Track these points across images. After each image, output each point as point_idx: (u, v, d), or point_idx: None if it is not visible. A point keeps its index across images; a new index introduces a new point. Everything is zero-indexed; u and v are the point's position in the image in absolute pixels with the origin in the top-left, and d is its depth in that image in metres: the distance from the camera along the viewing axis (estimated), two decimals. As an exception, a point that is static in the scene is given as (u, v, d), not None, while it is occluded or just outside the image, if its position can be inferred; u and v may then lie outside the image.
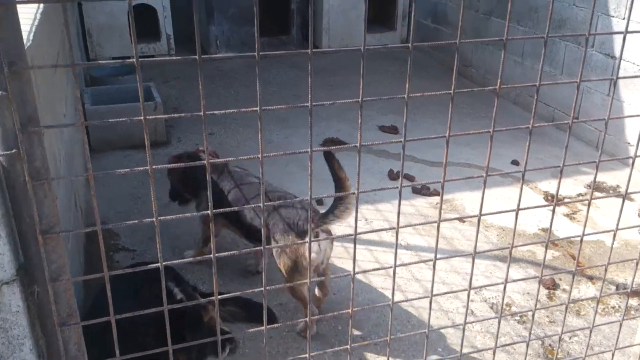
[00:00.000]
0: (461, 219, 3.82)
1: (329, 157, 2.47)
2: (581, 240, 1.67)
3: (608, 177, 4.44)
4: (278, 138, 5.00)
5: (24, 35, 1.35)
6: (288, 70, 6.76)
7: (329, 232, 2.66)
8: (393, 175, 4.36)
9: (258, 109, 1.23)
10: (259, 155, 1.25)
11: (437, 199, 4.06)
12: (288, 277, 2.67)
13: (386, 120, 5.46)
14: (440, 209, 1.51)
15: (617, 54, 4.58)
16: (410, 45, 1.25)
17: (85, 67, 5.86)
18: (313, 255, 2.59)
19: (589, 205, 1.67)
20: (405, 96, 1.31)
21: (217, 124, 5.18)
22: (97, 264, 3.21)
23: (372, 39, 7.60)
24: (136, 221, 1.26)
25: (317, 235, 2.59)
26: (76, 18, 6.16)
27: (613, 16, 4.55)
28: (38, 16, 2.53)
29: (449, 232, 3.69)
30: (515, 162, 4.56)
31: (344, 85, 6.28)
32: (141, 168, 1.24)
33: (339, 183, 2.47)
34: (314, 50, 1.21)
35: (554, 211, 1.63)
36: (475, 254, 1.59)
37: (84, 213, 3.48)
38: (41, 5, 2.71)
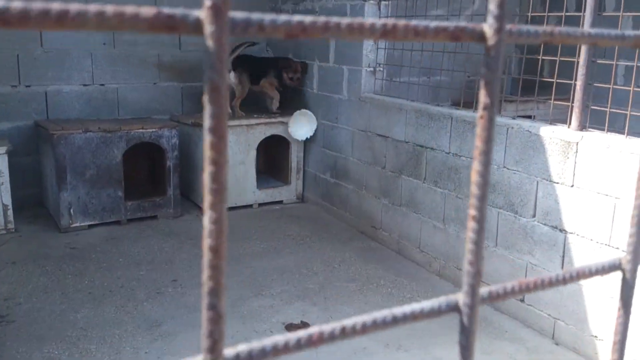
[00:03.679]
0: None
1: None
2: None
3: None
4: (149, 358, 3.60)
5: None
6: (163, 241, 5.46)
7: None
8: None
9: None
10: None
11: None
12: None
13: (293, 311, 4.25)
14: None
15: (567, 226, 3.81)
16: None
17: None
18: None
19: None
20: None
21: (59, 340, 3.70)
22: None
23: (265, 196, 6.57)
24: None
25: None
26: None
27: (557, 182, 3.82)
28: None
29: None
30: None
31: (237, 258, 5.05)
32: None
33: None
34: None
35: None
36: None
37: None
38: None
